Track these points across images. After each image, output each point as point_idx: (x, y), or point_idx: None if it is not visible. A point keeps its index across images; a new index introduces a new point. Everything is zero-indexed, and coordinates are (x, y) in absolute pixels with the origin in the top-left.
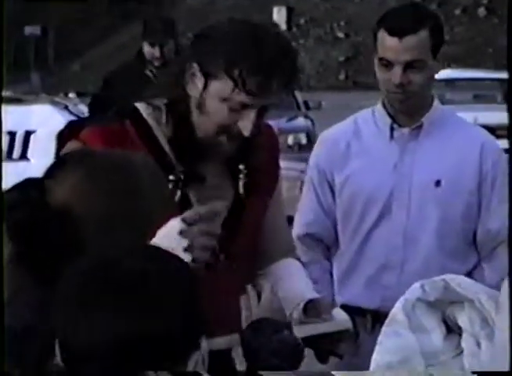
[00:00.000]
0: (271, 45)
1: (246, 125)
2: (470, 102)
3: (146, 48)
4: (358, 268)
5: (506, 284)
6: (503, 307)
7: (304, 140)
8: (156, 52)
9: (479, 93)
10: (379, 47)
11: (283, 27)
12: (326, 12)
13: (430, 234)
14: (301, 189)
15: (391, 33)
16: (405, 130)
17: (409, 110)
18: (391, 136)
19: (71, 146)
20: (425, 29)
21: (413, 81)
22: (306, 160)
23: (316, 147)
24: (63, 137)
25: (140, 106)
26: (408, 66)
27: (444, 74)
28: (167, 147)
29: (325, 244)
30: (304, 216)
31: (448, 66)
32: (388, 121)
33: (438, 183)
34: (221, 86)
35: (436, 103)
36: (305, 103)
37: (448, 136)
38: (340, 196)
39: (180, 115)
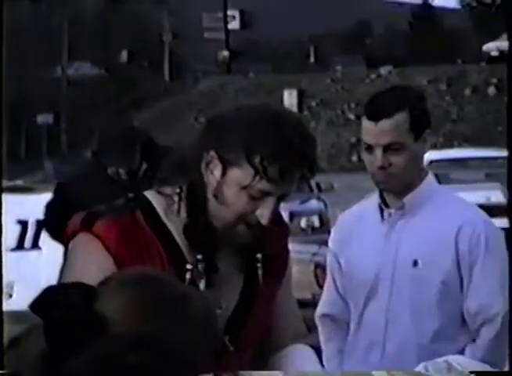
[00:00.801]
0: (292, 131)
1: (264, 213)
2: (483, 181)
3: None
4: (355, 348)
5: None
6: None
7: (317, 223)
8: (116, 176)
9: (491, 172)
10: (362, 131)
11: (295, 109)
12: (336, 94)
13: (406, 315)
14: (314, 272)
15: (369, 117)
16: (392, 211)
17: (393, 190)
18: (382, 217)
19: (83, 238)
20: (401, 112)
21: (394, 163)
22: (319, 243)
23: (332, 229)
24: (73, 228)
25: (149, 194)
26: (387, 148)
27: (455, 153)
28: (177, 237)
29: (341, 324)
30: (323, 296)
31: (460, 145)
32: (378, 201)
33: (415, 263)
34: (241, 174)
35: (426, 182)
36: (317, 185)
37: (428, 217)
38: (346, 277)
39: (195, 204)
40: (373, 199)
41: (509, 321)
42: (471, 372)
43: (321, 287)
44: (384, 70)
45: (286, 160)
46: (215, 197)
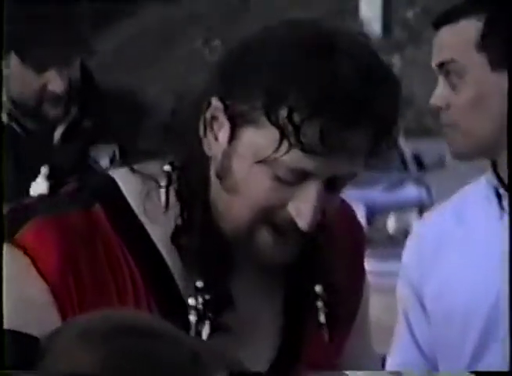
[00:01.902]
0: (350, 63)
1: (302, 210)
2: None
3: (16, 68)
4: None
5: None
6: None
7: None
8: (57, 83)
9: None
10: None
11: (377, 24)
12: None
13: None
14: None
15: (433, 26)
16: None
17: (465, 155)
18: (501, 207)
19: (6, 253)
20: (472, 17)
21: (452, 101)
22: None
23: (406, 246)
24: None
25: (118, 175)
26: (445, 76)
27: None
28: (164, 250)
29: None
30: (395, 356)
31: None
32: (494, 183)
33: None
34: (258, 137)
35: None
36: (416, 158)
37: None
38: (435, 317)
39: (193, 191)
40: (479, 185)
41: (509, 321)
42: (472, 372)
43: None
44: None
45: (334, 116)
46: (221, 178)
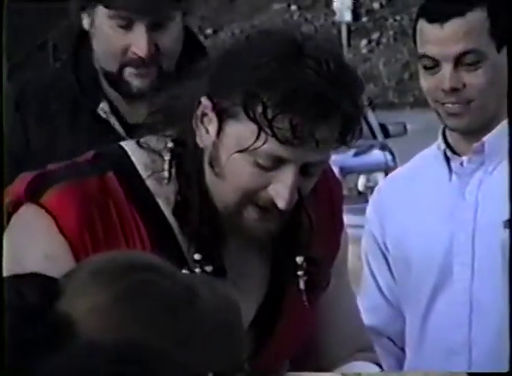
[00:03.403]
0: (317, 72)
1: (280, 191)
2: None
3: (108, 29)
4: (421, 358)
5: None
6: None
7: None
8: (141, 45)
9: None
10: (418, 42)
11: (348, 14)
12: None
13: (501, 299)
14: None
15: (430, 19)
16: (464, 158)
17: (469, 127)
18: (450, 170)
19: (28, 212)
20: (477, 9)
21: (470, 83)
22: None
23: (370, 201)
24: (15, 196)
25: (128, 146)
26: (459, 62)
27: None
28: (172, 219)
29: (390, 339)
30: (362, 301)
31: None
32: (441, 148)
33: (507, 224)
34: (239, 130)
35: None
36: (382, 127)
37: None
38: (395, 267)
39: (188, 175)
40: (431, 150)
41: (509, 320)
42: (472, 373)
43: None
44: None
45: (303, 112)
46: (211, 166)
